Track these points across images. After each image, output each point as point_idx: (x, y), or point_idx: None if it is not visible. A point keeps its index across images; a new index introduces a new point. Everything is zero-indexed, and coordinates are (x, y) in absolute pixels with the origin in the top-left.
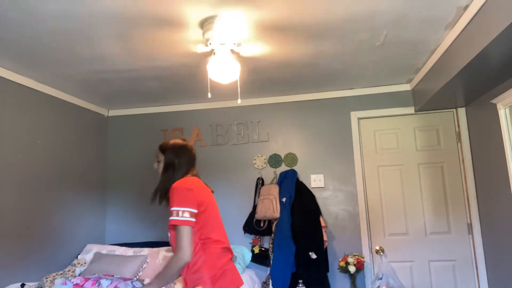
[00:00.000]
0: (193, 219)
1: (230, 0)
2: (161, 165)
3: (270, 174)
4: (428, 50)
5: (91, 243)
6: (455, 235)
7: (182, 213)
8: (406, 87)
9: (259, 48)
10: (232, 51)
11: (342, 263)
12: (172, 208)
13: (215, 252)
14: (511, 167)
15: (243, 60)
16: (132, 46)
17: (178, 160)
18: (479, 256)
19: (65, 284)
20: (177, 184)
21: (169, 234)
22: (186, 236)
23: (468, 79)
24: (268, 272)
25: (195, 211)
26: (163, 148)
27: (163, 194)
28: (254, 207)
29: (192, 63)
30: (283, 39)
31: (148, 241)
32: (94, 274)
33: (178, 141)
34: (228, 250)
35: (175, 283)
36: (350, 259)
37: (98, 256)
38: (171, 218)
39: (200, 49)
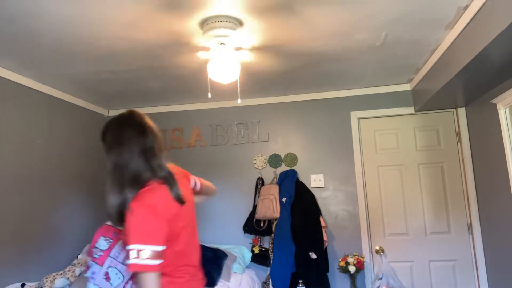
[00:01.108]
0: (158, 262)
1: (243, 5)
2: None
3: (270, 174)
4: (428, 50)
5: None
6: (455, 235)
7: (144, 254)
8: (406, 87)
9: (259, 45)
10: (233, 50)
11: (342, 263)
12: (128, 247)
13: (180, 281)
14: (511, 167)
15: (244, 58)
16: (132, 46)
17: (129, 150)
18: (479, 256)
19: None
20: (136, 203)
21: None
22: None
23: (468, 79)
24: (268, 272)
25: (161, 248)
26: (103, 135)
27: (119, 218)
28: (254, 207)
29: (192, 63)
30: (283, 37)
31: None
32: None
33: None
34: (196, 270)
35: None
36: (350, 259)
37: None
38: (128, 262)
39: (200, 49)
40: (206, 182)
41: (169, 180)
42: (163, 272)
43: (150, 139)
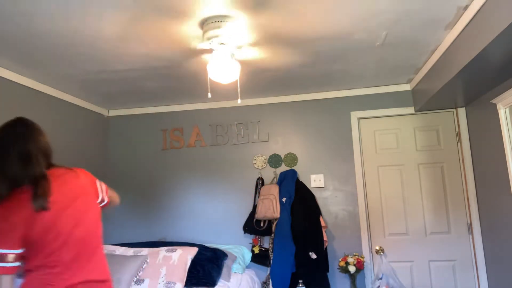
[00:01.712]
0: (11, 264)
1: (232, 1)
2: None
3: (270, 174)
4: (428, 50)
5: None
6: (455, 235)
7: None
8: (406, 87)
9: (259, 47)
10: (233, 51)
11: (342, 263)
12: None
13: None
14: (511, 167)
15: (243, 60)
16: (132, 46)
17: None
18: (479, 256)
19: None
20: None
21: None
22: None
23: (468, 79)
24: (268, 272)
25: (17, 252)
26: None
27: None
28: (254, 207)
29: (192, 63)
30: (283, 38)
31: (148, 241)
32: None
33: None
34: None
35: (175, 283)
36: (350, 259)
37: None
38: None
39: (201, 49)
40: (113, 195)
41: (36, 187)
42: (31, 271)
43: (30, 145)
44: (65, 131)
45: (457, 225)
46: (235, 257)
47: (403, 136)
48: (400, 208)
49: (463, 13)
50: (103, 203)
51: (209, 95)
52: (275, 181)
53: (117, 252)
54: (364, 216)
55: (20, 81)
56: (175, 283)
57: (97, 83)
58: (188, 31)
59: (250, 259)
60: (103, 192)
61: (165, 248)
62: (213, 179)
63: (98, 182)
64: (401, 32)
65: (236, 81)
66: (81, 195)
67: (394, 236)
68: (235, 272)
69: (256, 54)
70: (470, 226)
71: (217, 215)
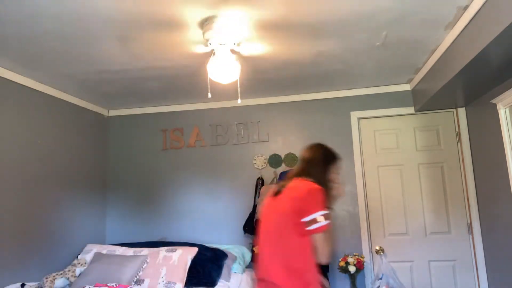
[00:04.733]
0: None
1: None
2: None
3: (270, 174)
4: (428, 50)
5: (91, 243)
6: (455, 235)
7: None
8: (406, 87)
9: (259, 47)
10: (233, 51)
11: (342, 263)
12: None
13: None
14: (511, 167)
15: (243, 60)
16: (132, 46)
17: None
18: (479, 256)
19: None
20: None
21: None
22: None
23: (468, 79)
24: None
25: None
26: None
27: None
28: (254, 207)
29: (192, 63)
30: (283, 38)
31: (148, 241)
32: (85, 286)
33: None
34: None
35: (176, 283)
36: (350, 259)
37: (98, 256)
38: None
39: (200, 49)
40: None
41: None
42: None
43: None
44: (65, 131)
45: (457, 225)
46: (235, 257)
47: (403, 136)
48: (400, 208)
49: (463, 13)
50: None
51: (209, 95)
52: (275, 181)
53: (117, 252)
54: (364, 216)
55: (20, 81)
56: (175, 283)
57: (97, 83)
58: (187, 36)
59: (250, 259)
60: None
61: (165, 248)
62: (213, 179)
63: None
64: (401, 32)
65: (236, 81)
66: None
67: (394, 236)
68: (235, 272)
69: (256, 50)
70: (470, 226)
71: (217, 215)
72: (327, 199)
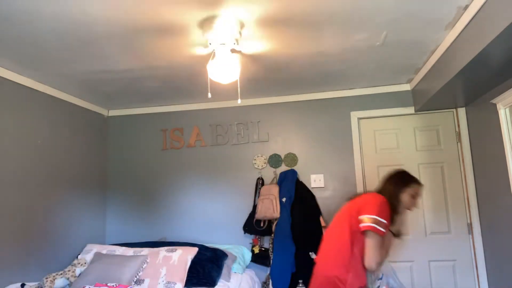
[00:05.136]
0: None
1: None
2: None
3: (270, 174)
4: (428, 50)
5: (91, 243)
6: (455, 235)
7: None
8: (406, 87)
9: (259, 46)
10: (233, 50)
11: None
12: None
13: None
14: (511, 167)
15: (244, 59)
16: (132, 47)
17: None
18: (479, 256)
19: None
20: None
21: None
22: None
23: (468, 79)
24: (268, 272)
25: None
26: None
27: None
28: (254, 207)
29: (192, 63)
30: (283, 37)
31: (148, 241)
32: (85, 286)
33: None
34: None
35: (176, 283)
36: None
37: (98, 256)
38: None
39: (201, 50)
40: None
41: None
42: None
43: None
44: (65, 131)
45: (457, 225)
46: (235, 257)
47: (403, 136)
48: None
49: (463, 13)
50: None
51: (209, 95)
52: (275, 181)
53: (117, 252)
54: None
55: (20, 81)
56: (175, 283)
57: (97, 83)
58: (188, 37)
59: (250, 259)
60: None
61: (165, 248)
62: (213, 179)
63: None
64: (401, 32)
65: (236, 81)
66: None
67: None
68: (235, 272)
69: (256, 48)
70: (470, 226)
71: (217, 215)
72: (390, 214)
